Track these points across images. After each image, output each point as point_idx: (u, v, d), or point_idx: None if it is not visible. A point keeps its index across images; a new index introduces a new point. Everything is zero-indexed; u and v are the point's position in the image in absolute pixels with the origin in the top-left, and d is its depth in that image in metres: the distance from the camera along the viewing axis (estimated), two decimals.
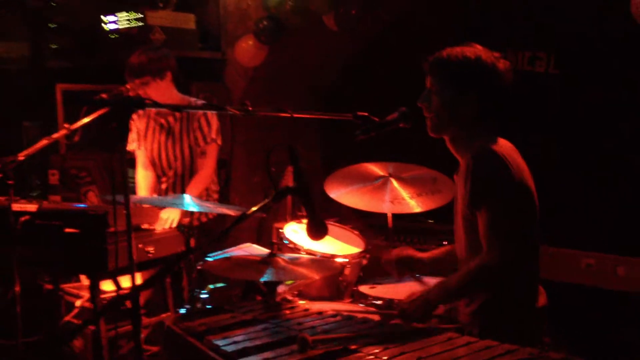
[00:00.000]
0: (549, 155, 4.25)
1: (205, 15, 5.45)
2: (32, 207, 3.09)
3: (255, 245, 3.72)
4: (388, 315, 2.59)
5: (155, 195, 3.94)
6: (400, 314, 2.38)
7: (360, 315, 2.34)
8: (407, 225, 4.39)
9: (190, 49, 5.17)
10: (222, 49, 5.42)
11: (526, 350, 1.86)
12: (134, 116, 4.01)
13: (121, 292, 3.13)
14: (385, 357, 1.84)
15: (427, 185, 3.65)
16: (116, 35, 5.03)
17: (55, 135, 3.10)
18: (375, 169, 3.78)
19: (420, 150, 3.68)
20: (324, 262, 3.05)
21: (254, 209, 2.08)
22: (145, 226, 3.46)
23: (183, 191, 3.80)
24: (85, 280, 3.55)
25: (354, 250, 3.66)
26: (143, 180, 4.00)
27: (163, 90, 3.81)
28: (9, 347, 3.11)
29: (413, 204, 3.63)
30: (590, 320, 3.78)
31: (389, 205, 3.62)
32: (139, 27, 4.90)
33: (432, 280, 2.86)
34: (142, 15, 4.90)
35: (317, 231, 2.22)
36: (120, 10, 4.99)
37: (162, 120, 3.98)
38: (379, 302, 3.08)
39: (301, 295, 3.40)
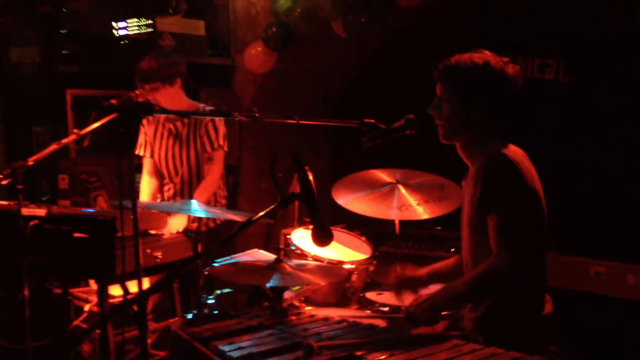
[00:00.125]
0: (559, 162, 4.24)
1: (215, 21, 5.48)
2: (41, 212, 3.10)
3: (262, 251, 3.72)
4: (395, 319, 2.59)
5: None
6: (407, 317, 2.38)
7: (366, 321, 2.34)
8: (414, 232, 4.39)
9: (199, 55, 5.19)
10: (232, 55, 5.45)
11: (533, 359, 1.86)
12: (144, 121, 4.03)
13: (129, 296, 3.14)
14: None
15: (435, 192, 3.65)
16: (126, 41, 5.06)
17: (64, 141, 3.11)
18: (382, 175, 3.78)
19: (428, 157, 3.69)
20: (330, 268, 3.05)
21: (259, 214, 2.09)
22: (153, 231, 3.47)
23: (190, 197, 3.82)
24: (94, 285, 3.56)
25: (361, 256, 3.66)
26: (146, 186, 4.04)
27: (172, 96, 3.83)
28: (18, 351, 3.13)
29: (420, 211, 3.63)
30: (600, 329, 3.76)
31: (396, 212, 3.62)
32: (148, 33, 4.93)
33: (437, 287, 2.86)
34: (152, 22, 4.93)
35: (322, 237, 2.22)
36: (130, 17, 5.02)
37: (171, 126, 4.00)
38: (385, 309, 3.08)
39: (308, 301, 3.40)
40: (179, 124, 3.98)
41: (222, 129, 3.95)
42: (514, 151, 2.37)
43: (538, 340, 2.35)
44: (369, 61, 5.43)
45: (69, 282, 3.70)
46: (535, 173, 2.38)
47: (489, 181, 2.29)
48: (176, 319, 3.56)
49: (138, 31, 5.00)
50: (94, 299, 3.51)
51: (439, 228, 4.43)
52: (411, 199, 3.66)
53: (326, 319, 2.35)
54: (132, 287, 3.16)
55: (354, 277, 3.54)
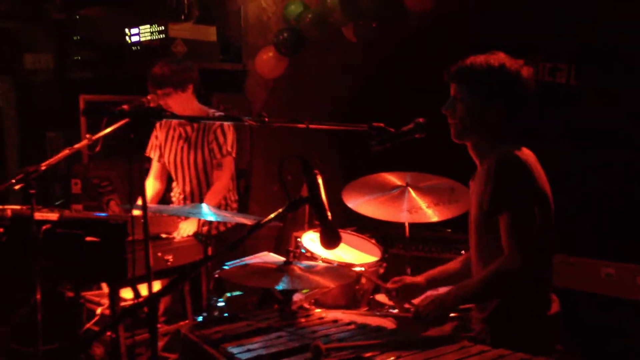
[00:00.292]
0: (569, 164, 4.23)
1: (227, 27, 5.51)
2: (53, 216, 3.14)
3: (272, 254, 3.74)
4: (404, 321, 2.59)
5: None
6: (415, 316, 2.39)
7: (374, 323, 2.35)
8: (424, 235, 4.39)
9: (211, 60, 5.23)
10: (243, 60, 5.47)
11: None
12: (157, 124, 4.08)
13: (140, 299, 3.16)
14: None
15: (445, 195, 3.65)
16: (138, 48, 5.10)
17: (76, 146, 3.14)
18: (392, 178, 3.79)
19: (438, 160, 3.69)
20: (340, 270, 3.05)
21: (267, 218, 2.10)
22: (164, 235, 3.50)
23: (200, 200, 3.84)
24: (106, 288, 3.59)
25: (371, 259, 3.66)
26: (150, 188, 4.08)
27: (184, 102, 3.87)
28: (30, 354, 3.16)
29: (430, 214, 3.63)
30: (610, 330, 3.74)
31: (406, 215, 3.63)
32: (161, 39, 4.97)
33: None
34: (164, 28, 4.97)
35: (330, 240, 2.23)
36: (142, 23, 5.06)
37: (181, 130, 4.03)
38: (395, 311, 3.08)
39: (317, 303, 3.41)
40: (189, 128, 4.02)
41: (230, 135, 3.98)
42: (525, 153, 2.38)
43: (544, 340, 2.35)
44: (379, 66, 5.44)
45: (81, 285, 3.73)
46: (544, 176, 2.39)
47: (500, 181, 2.30)
48: (187, 321, 3.58)
49: (150, 37, 5.04)
50: (106, 302, 3.54)
51: (449, 230, 4.43)
52: (421, 202, 3.67)
53: (335, 320, 2.35)
54: (143, 290, 3.18)
55: (363, 280, 3.54)
